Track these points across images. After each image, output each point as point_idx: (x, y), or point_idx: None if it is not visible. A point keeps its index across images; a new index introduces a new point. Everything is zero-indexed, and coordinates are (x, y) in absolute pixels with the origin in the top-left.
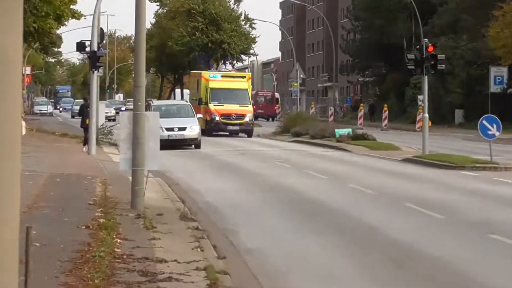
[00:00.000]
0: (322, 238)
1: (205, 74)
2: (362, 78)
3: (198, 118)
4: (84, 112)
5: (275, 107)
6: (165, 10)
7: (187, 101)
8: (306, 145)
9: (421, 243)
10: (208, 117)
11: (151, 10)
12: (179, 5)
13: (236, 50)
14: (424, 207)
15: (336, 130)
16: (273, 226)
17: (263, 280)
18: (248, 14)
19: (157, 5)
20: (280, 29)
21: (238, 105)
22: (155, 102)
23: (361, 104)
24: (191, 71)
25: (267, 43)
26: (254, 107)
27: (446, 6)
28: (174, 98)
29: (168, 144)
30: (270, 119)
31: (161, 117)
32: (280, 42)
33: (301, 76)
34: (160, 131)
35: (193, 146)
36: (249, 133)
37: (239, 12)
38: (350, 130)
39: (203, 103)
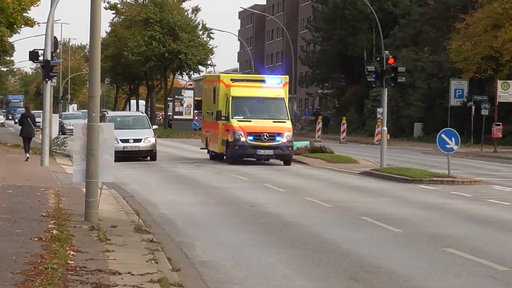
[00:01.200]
0: (278, 251)
1: (225, 78)
2: (322, 90)
3: (154, 129)
4: (24, 122)
5: None
6: (121, 19)
7: (142, 112)
8: None
9: (377, 256)
10: (230, 138)
11: (106, 19)
12: (136, 14)
13: (193, 61)
14: (381, 220)
15: (293, 142)
16: (229, 239)
17: None
18: (206, 24)
19: (112, 13)
20: (239, 39)
21: (272, 120)
22: (110, 113)
23: (319, 117)
24: (205, 75)
25: (225, 54)
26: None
27: (408, 18)
28: (130, 109)
29: (123, 156)
30: None
31: (116, 128)
32: (238, 53)
33: None
34: (115, 142)
35: (148, 158)
36: (287, 160)
37: (197, 21)
38: (307, 142)
39: (223, 118)
